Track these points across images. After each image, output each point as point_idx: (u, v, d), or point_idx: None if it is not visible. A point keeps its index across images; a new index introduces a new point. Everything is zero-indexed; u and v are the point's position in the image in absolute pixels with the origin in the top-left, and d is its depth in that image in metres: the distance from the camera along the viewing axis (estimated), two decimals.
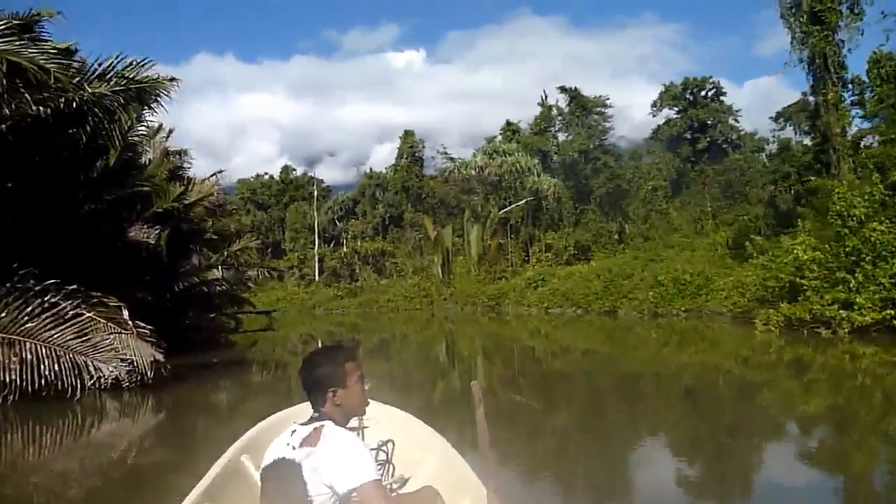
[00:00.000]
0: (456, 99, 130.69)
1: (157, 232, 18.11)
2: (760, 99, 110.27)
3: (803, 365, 15.60)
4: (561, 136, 53.66)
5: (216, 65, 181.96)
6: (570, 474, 7.42)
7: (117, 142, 13.41)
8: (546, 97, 52.99)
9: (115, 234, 16.77)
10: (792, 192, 49.44)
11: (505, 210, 48.58)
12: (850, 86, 37.13)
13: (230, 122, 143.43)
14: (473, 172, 53.35)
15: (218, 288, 21.87)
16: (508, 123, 54.94)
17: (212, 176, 28.80)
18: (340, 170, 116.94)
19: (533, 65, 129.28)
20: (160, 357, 11.74)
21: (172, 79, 13.19)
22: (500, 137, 52.51)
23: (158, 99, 13.33)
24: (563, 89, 52.74)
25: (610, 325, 25.59)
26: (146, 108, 13.85)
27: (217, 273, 22.04)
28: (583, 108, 52.14)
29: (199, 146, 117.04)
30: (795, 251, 18.96)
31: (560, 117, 53.26)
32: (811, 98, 37.46)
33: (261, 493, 2.89)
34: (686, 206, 49.85)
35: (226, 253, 26.68)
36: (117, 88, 12.65)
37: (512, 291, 38.60)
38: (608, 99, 52.86)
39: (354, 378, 2.92)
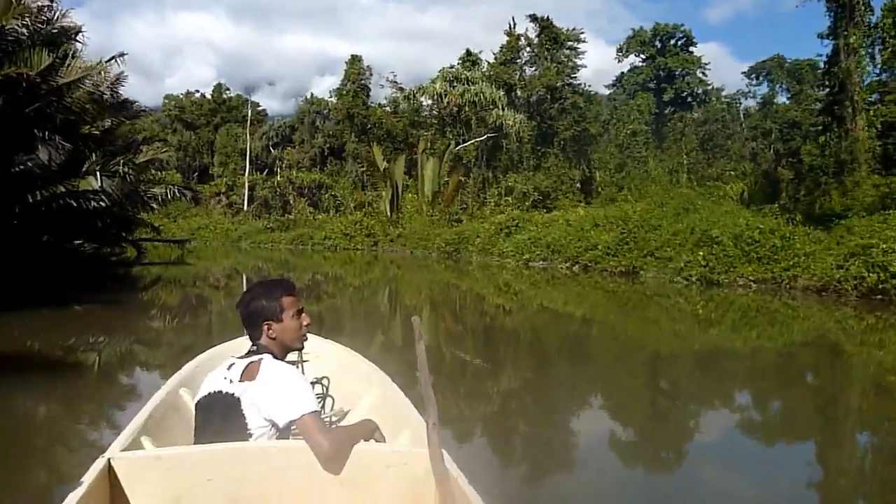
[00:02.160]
0: (402, 37, 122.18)
1: None
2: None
3: None
4: (528, 71, 46.83)
5: None
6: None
7: None
8: (514, 25, 46.04)
9: None
10: (772, 149, 44.45)
11: (462, 146, 41.79)
12: (870, 31, 31.47)
13: (165, 41, 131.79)
14: (428, 102, 46.32)
15: (94, 204, 14.71)
16: (469, 53, 47.80)
17: (110, 59, 21.42)
18: (279, 100, 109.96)
19: (482, 9, 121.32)
20: None
21: None
22: (458, 67, 45.31)
23: None
24: (533, 18, 45.83)
25: (627, 289, 18.88)
26: None
27: (95, 183, 14.88)
28: (554, 40, 45.38)
29: (131, 64, 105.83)
30: None
31: (529, 48, 46.36)
32: (829, 41, 31.59)
33: (196, 425, 2.74)
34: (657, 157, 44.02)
35: (122, 162, 19.33)
36: None
37: (476, 237, 31.90)
38: (582, 33, 46.22)
39: (291, 313, 2.80)
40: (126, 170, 18.47)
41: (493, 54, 46.20)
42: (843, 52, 30.31)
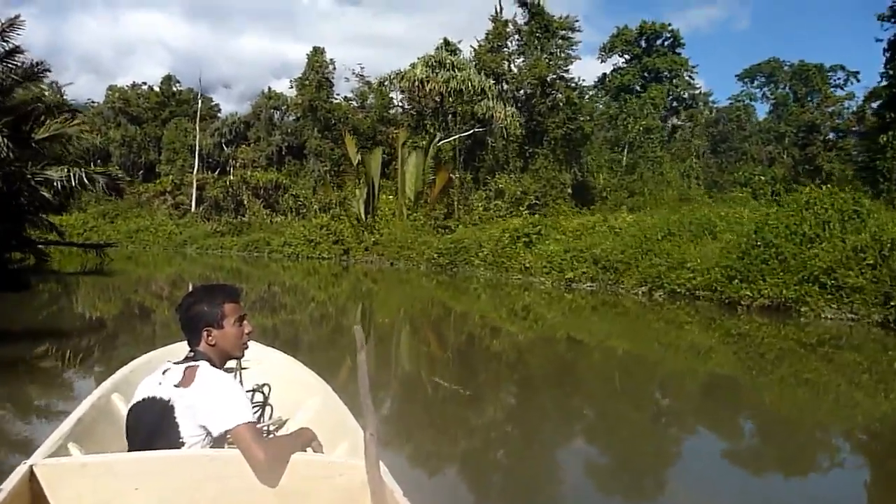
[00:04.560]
0: (360, 43, 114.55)
1: None
2: None
3: None
4: (515, 62, 40.45)
5: None
6: None
7: None
8: (501, 9, 39.63)
9: None
10: (787, 154, 38.96)
11: (444, 141, 34.93)
12: None
13: (118, 39, 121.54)
14: (400, 95, 39.52)
15: None
16: (447, 42, 41.08)
17: None
18: (234, 103, 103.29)
19: (440, 17, 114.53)
20: None
21: None
22: (443, 51, 38.48)
23: None
24: (522, 3, 39.46)
25: (768, 332, 12.13)
26: None
27: None
28: (545, 28, 39.10)
29: (82, 62, 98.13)
30: None
31: (517, 36, 39.96)
32: (891, 23, 26.02)
33: (127, 432, 2.54)
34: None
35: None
36: None
37: (478, 247, 24.81)
38: (577, 20, 40.01)
39: (232, 319, 2.60)
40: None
41: (478, 41, 39.72)
42: None
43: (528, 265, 21.32)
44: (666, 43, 53.12)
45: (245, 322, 2.64)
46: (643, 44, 53.12)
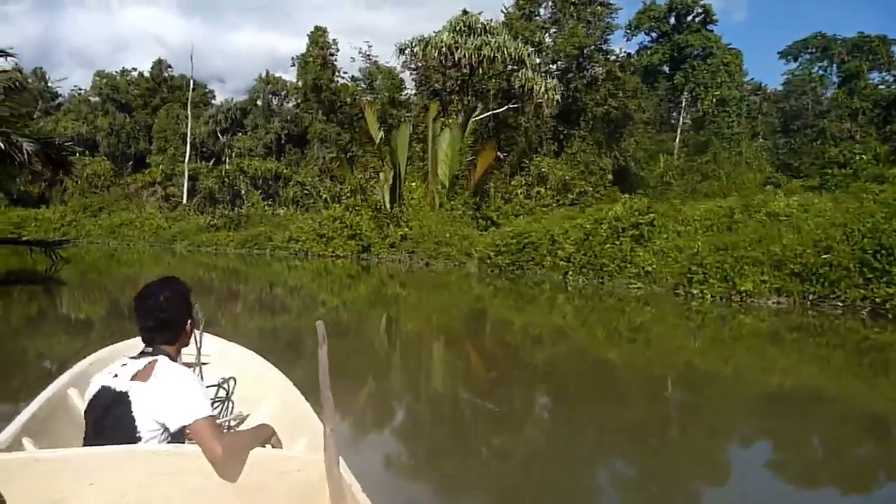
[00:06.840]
0: (354, 36, 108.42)
1: None
2: None
3: None
4: (548, 34, 34.23)
5: None
6: None
7: None
8: None
9: None
10: (864, 134, 32.99)
11: (485, 114, 28.60)
12: None
13: (112, 34, 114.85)
14: (412, 73, 33.04)
15: None
16: (465, 12, 34.65)
17: None
18: (228, 97, 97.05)
19: (432, 9, 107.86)
20: None
21: None
22: (472, 15, 32.01)
23: None
24: None
25: None
26: None
27: None
28: None
29: (76, 57, 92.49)
30: None
31: (550, 2, 33.74)
32: None
33: (86, 427, 2.35)
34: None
35: None
36: None
37: (550, 243, 18.03)
38: None
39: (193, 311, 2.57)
40: None
41: (506, 7, 33.43)
42: None
43: (648, 268, 15.00)
44: (697, 19, 47.07)
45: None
46: (672, 20, 47.12)
